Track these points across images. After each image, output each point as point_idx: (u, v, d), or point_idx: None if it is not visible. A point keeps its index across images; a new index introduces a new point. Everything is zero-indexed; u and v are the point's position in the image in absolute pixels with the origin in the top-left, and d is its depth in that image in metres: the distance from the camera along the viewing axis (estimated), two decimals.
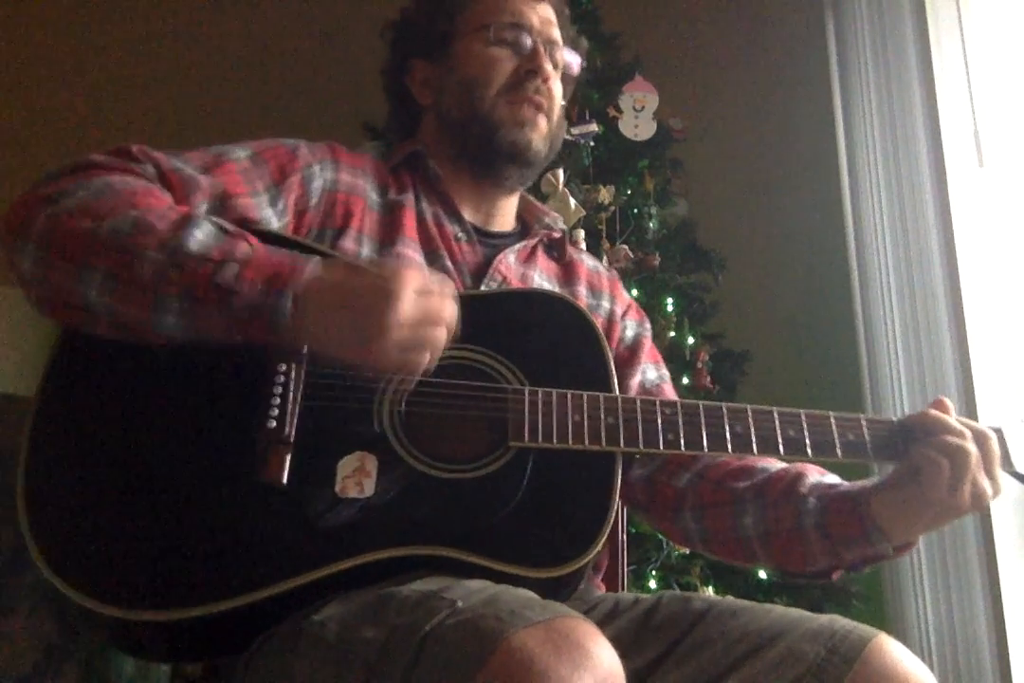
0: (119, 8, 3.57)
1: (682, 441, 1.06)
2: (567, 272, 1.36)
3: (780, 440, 1.07)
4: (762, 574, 2.35)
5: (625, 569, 1.47)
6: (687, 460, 1.25)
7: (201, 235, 0.93)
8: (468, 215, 1.29)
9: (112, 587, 0.90)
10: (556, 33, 1.31)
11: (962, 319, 2.32)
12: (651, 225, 2.64)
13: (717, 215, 2.91)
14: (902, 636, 2.33)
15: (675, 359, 2.48)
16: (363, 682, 0.81)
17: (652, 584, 2.22)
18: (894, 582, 2.54)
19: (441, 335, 0.94)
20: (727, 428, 1.07)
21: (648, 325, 1.40)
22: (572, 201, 2.42)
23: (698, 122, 2.88)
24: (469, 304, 1.01)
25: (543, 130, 1.27)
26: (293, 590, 0.91)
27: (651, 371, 1.35)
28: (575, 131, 2.53)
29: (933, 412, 1.09)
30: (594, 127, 2.56)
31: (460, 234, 1.26)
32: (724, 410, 1.08)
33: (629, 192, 2.66)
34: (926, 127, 2.55)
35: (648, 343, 1.37)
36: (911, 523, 1.07)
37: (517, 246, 1.30)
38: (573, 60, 1.35)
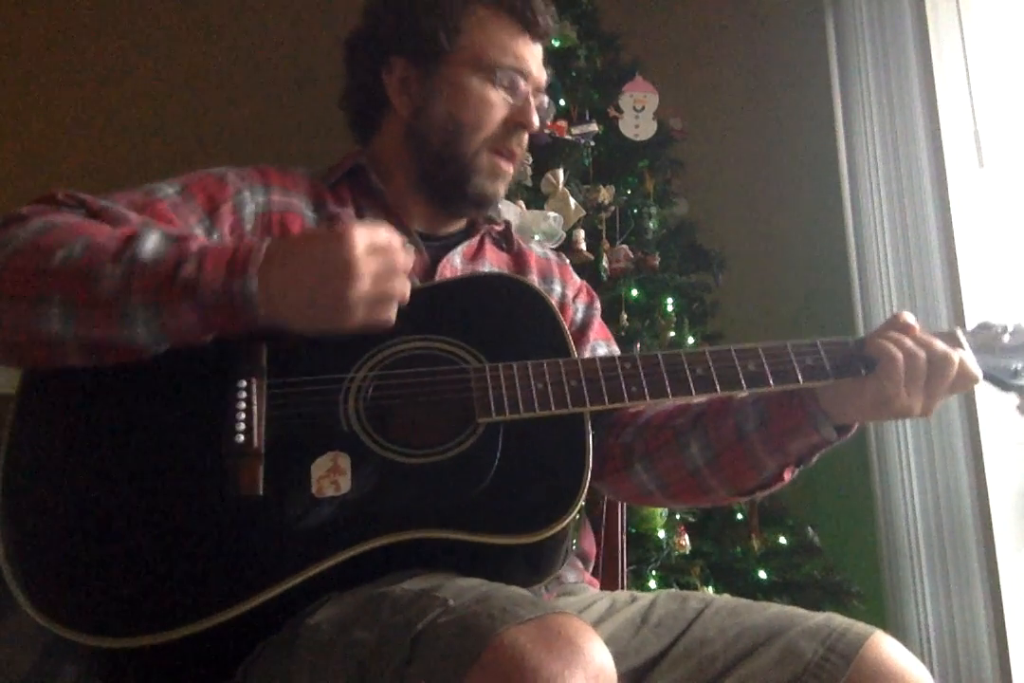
0: (118, 8, 3.57)
1: (646, 391, 1.06)
2: (518, 262, 1.37)
3: (741, 375, 1.08)
4: (762, 574, 2.35)
5: (625, 569, 1.47)
6: (629, 418, 1.26)
7: (151, 245, 0.95)
8: (415, 224, 1.29)
9: (88, 614, 0.88)
10: (545, 77, 1.32)
11: (962, 318, 2.33)
12: (651, 225, 2.64)
13: (717, 215, 2.91)
14: (902, 636, 2.33)
15: None
16: (357, 682, 0.81)
17: (652, 584, 2.21)
18: (894, 582, 2.54)
19: (402, 285, 0.99)
20: (688, 372, 1.08)
21: (598, 305, 1.42)
22: (572, 201, 2.42)
23: (698, 122, 2.88)
24: (417, 297, 1.02)
25: (509, 177, 1.30)
26: (281, 596, 0.90)
27: (601, 348, 1.36)
28: (575, 131, 2.54)
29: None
30: (594, 127, 2.56)
31: (407, 245, 1.25)
32: (682, 356, 1.09)
33: (629, 192, 2.66)
34: (926, 127, 2.55)
35: (597, 322, 1.39)
36: (856, 408, 1.09)
37: (461, 246, 1.30)
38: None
